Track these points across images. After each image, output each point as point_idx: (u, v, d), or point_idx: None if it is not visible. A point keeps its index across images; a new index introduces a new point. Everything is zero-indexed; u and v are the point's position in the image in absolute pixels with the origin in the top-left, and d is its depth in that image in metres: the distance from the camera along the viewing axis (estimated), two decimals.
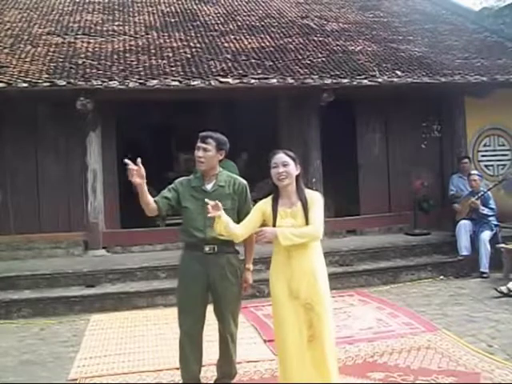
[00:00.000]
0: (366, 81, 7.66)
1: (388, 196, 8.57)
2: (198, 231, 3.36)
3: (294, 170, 3.20)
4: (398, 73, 7.95)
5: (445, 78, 7.96)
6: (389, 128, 8.65)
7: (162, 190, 3.54)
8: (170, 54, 8.00)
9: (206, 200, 3.13)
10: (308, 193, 3.26)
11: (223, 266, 3.37)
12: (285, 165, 3.17)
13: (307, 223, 3.13)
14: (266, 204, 3.25)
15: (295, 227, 3.12)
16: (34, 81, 6.83)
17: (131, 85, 6.96)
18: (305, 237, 3.10)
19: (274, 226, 3.16)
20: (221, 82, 7.18)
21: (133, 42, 8.40)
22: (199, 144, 3.51)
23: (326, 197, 7.96)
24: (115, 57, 7.79)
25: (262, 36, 9.01)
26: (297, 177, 3.23)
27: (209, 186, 3.46)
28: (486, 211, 6.95)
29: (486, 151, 8.84)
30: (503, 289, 5.80)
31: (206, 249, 3.35)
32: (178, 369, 4.06)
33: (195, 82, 7.13)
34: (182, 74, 7.32)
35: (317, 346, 3.11)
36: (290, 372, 3.12)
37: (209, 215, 3.10)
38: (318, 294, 3.13)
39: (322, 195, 3.35)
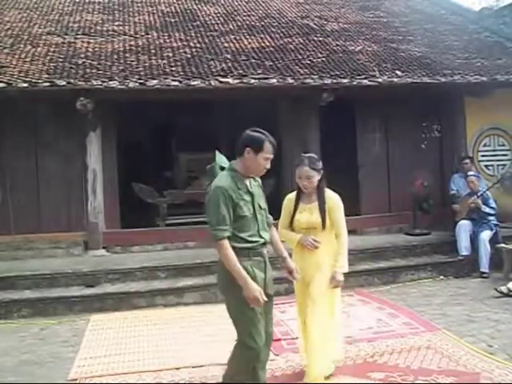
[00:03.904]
0: (366, 81, 7.66)
1: (388, 196, 8.57)
2: (255, 236, 3.10)
3: (316, 179, 3.66)
4: (398, 73, 7.95)
5: (445, 78, 7.96)
6: (389, 128, 8.65)
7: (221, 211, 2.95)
8: (170, 54, 8.00)
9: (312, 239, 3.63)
10: (328, 194, 3.72)
11: (269, 265, 3.24)
12: (308, 178, 3.64)
13: (323, 220, 3.63)
14: (290, 200, 3.81)
15: (309, 221, 3.65)
16: (34, 81, 6.83)
17: (131, 85, 6.96)
18: (345, 248, 3.72)
19: (293, 218, 3.72)
20: (221, 82, 7.17)
21: (133, 42, 8.40)
22: (273, 152, 3.13)
23: None
24: (115, 57, 7.79)
25: (262, 36, 9.01)
26: (319, 180, 3.68)
27: (249, 186, 3.16)
28: (487, 210, 6.96)
29: (486, 151, 8.84)
30: (503, 289, 5.80)
31: (265, 252, 3.16)
32: (177, 369, 4.10)
33: (195, 82, 7.13)
34: (182, 74, 7.32)
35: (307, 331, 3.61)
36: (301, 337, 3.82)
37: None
38: (315, 282, 3.63)
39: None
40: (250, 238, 3.06)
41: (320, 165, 3.70)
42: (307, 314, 3.64)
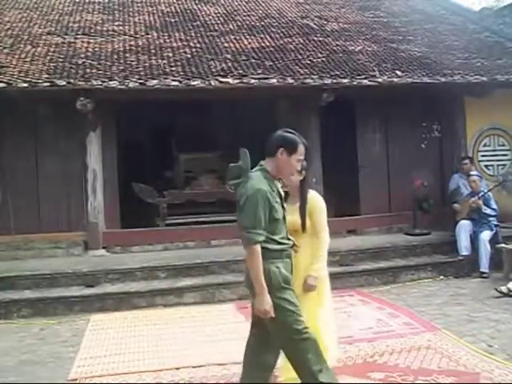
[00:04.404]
0: (366, 81, 7.66)
1: (388, 196, 8.57)
2: (285, 239, 3.08)
3: (296, 178, 3.50)
4: (398, 73, 7.95)
5: (445, 78, 7.96)
6: (389, 128, 8.65)
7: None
8: (170, 54, 8.00)
9: None
10: (310, 195, 3.59)
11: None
12: None
13: (303, 221, 3.49)
14: None
15: (290, 222, 3.36)
16: (34, 81, 6.83)
17: (131, 85, 6.96)
18: (323, 252, 3.54)
19: None
20: (221, 82, 7.18)
21: (133, 42, 8.40)
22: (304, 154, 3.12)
23: (325, 197, 7.99)
24: (115, 57, 7.79)
25: (262, 36, 9.01)
26: (302, 180, 3.57)
27: (279, 188, 3.13)
28: (488, 211, 6.96)
29: (486, 151, 8.84)
30: (503, 289, 5.80)
31: (292, 253, 3.17)
32: (177, 369, 4.10)
33: (195, 82, 7.13)
34: (182, 74, 7.32)
35: None
36: None
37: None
38: (298, 288, 3.34)
39: (322, 195, 3.52)
40: (282, 241, 3.02)
41: (303, 164, 3.53)
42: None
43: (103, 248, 7.48)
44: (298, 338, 2.99)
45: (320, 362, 3.03)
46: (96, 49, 8.04)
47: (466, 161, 7.95)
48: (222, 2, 10.66)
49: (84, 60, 7.56)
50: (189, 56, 7.98)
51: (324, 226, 3.57)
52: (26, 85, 6.75)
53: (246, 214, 2.89)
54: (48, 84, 6.82)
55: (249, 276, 2.99)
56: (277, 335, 3.06)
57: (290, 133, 3.10)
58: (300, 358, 3.02)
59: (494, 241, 6.91)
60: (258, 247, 2.87)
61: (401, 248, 7.37)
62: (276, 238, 2.99)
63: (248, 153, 3.07)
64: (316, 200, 3.60)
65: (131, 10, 9.93)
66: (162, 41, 8.52)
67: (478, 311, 5.34)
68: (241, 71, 7.52)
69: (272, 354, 3.16)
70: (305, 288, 3.41)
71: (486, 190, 7.18)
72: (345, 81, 7.58)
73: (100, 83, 6.92)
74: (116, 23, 9.19)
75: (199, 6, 10.36)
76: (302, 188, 3.59)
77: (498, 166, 8.88)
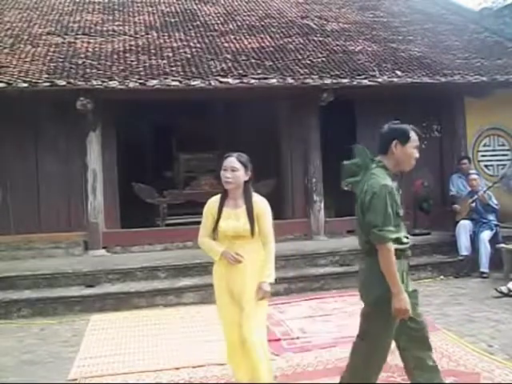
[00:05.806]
0: (365, 81, 7.66)
1: None
2: (406, 238, 2.94)
3: (242, 175, 3.31)
4: (398, 73, 7.96)
5: (445, 78, 7.97)
6: None
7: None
8: (170, 54, 8.00)
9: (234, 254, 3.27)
10: (255, 198, 3.37)
11: None
12: (233, 170, 3.29)
13: (252, 227, 3.28)
14: (213, 204, 3.41)
15: (236, 228, 3.29)
16: (34, 81, 6.84)
17: (131, 85, 6.96)
18: (273, 256, 3.35)
19: (217, 225, 3.32)
20: (221, 82, 7.18)
21: (133, 42, 8.40)
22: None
23: (326, 197, 7.99)
24: (115, 57, 7.79)
25: (262, 36, 9.01)
26: (246, 182, 3.34)
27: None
28: (493, 205, 6.97)
29: (486, 151, 8.85)
30: (503, 289, 5.80)
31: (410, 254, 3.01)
32: (177, 369, 4.10)
33: (195, 82, 7.13)
34: (181, 74, 7.33)
35: (246, 345, 3.25)
36: (231, 363, 3.48)
37: None
38: (247, 295, 3.27)
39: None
40: (404, 240, 2.89)
41: (249, 164, 3.37)
42: (243, 330, 3.27)
43: (103, 248, 7.49)
44: (380, 358, 2.84)
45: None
46: (96, 49, 8.05)
47: (465, 161, 7.94)
48: (222, 2, 10.66)
49: (84, 60, 7.56)
50: (189, 56, 7.98)
51: (271, 230, 3.38)
52: (26, 85, 6.76)
53: (375, 212, 2.76)
54: (48, 84, 6.82)
55: (372, 287, 2.83)
56: (373, 338, 2.86)
57: (397, 123, 3.02)
58: (365, 373, 2.88)
59: (493, 241, 6.91)
60: (392, 245, 2.73)
61: None
62: (400, 235, 2.85)
63: (366, 149, 2.98)
64: (263, 204, 3.38)
65: (131, 9, 9.94)
66: (161, 41, 8.52)
67: (478, 311, 5.34)
68: (241, 71, 7.52)
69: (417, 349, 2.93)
70: (259, 295, 3.23)
71: (485, 189, 7.19)
72: (345, 81, 7.58)
73: (100, 83, 6.92)
74: (116, 23, 9.19)
75: (199, 6, 10.36)
76: (245, 190, 3.34)
77: (498, 165, 8.88)
